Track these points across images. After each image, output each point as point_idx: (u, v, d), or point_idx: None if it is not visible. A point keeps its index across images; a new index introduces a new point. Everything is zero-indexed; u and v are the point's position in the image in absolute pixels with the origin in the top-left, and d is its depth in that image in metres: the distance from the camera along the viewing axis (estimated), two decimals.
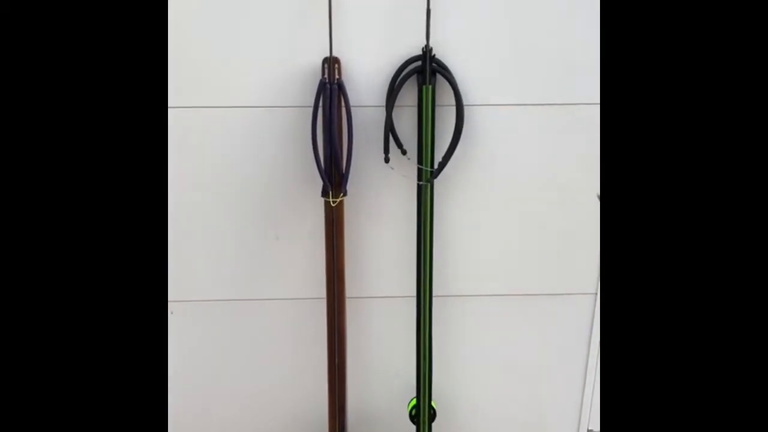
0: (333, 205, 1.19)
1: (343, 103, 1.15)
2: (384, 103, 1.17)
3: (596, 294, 1.30)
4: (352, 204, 1.23)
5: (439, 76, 1.15)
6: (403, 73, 1.15)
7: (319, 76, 1.14)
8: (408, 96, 1.18)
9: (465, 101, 1.16)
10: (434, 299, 1.26)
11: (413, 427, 1.33)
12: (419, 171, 1.19)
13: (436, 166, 1.19)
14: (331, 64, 1.14)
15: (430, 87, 1.15)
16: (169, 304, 1.27)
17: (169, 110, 1.15)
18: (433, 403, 1.32)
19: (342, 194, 1.19)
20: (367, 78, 1.17)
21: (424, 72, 1.14)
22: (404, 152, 1.19)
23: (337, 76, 1.14)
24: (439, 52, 1.15)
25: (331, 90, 1.14)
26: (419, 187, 1.20)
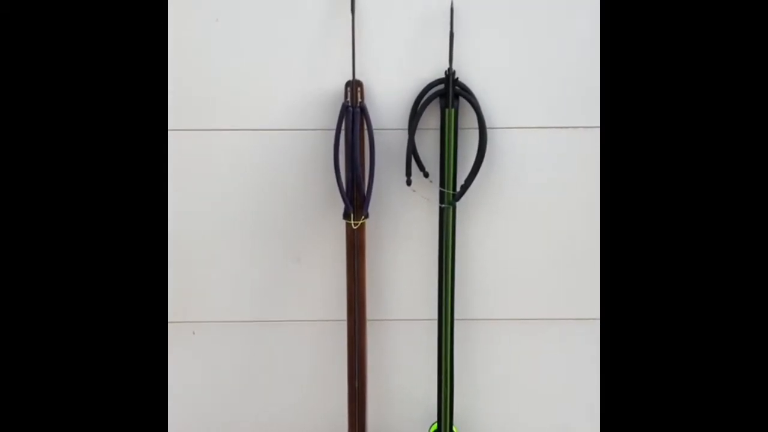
0: (354, 227, 1.19)
1: (365, 126, 1.15)
2: (406, 126, 1.17)
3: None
4: (373, 226, 1.22)
5: (462, 99, 1.15)
6: (426, 96, 1.15)
7: (341, 100, 1.15)
8: (431, 119, 1.18)
9: (488, 124, 1.16)
10: (456, 323, 1.24)
11: None
12: (441, 194, 1.19)
13: (458, 188, 1.18)
14: (353, 87, 1.14)
15: (453, 110, 1.15)
16: (192, 325, 1.27)
17: (192, 132, 1.17)
18: (454, 429, 1.30)
19: (364, 216, 1.18)
20: (389, 101, 1.17)
21: (447, 95, 1.14)
22: (426, 175, 1.19)
23: (359, 100, 1.15)
24: (462, 75, 1.15)
25: (353, 113, 1.14)
26: (441, 210, 1.20)
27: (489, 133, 1.16)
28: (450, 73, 1.14)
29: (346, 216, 1.18)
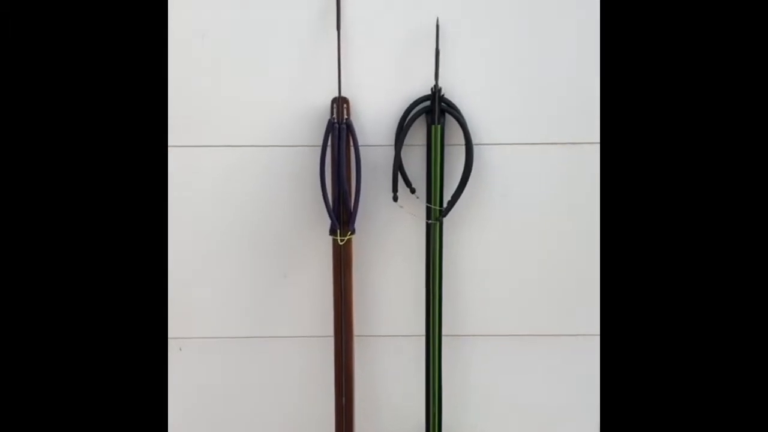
0: (341, 243, 1.19)
1: (351, 143, 1.15)
2: (393, 143, 1.17)
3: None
4: (360, 242, 1.22)
5: (448, 116, 1.15)
6: (412, 112, 1.15)
7: (328, 116, 1.15)
8: (417, 135, 1.18)
9: (474, 140, 1.16)
10: (443, 338, 1.24)
11: None
12: (428, 210, 1.19)
13: (445, 204, 1.18)
14: (339, 104, 1.14)
15: (439, 126, 1.15)
16: (179, 341, 1.27)
17: (177, 149, 1.17)
18: None
19: (350, 232, 1.18)
20: (375, 117, 1.17)
21: (433, 111, 1.15)
22: (413, 191, 1.19)
23: (345, 116, 1.15)
24: (448, 92, 1.15)
25: (339, 130, 1.14)
26: (428, 226, 1.20)
27: (475, 149, 1.16)
28: (436, 90, 1.14)
29: (332, 232, 1.18)
